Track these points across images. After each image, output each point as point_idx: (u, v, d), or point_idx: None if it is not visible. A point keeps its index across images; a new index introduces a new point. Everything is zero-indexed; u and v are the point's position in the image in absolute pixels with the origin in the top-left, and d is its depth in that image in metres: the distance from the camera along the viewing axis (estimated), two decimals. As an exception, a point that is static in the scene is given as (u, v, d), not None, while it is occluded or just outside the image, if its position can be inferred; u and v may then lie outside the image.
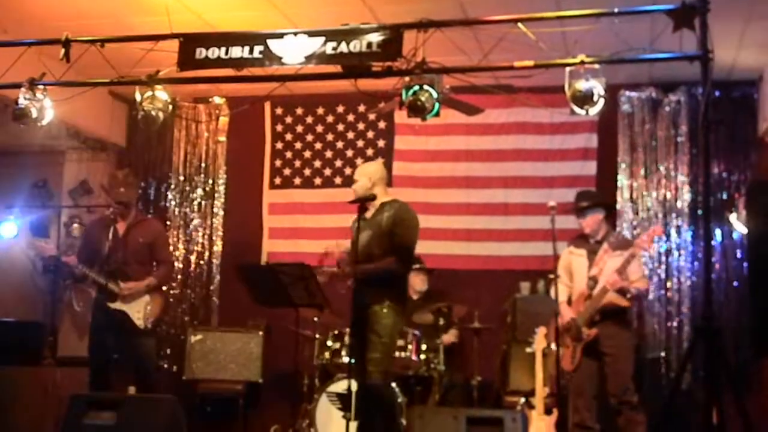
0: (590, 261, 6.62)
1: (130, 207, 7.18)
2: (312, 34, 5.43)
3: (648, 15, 5.29)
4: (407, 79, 5.37)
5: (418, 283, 8.17)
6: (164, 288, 7.63)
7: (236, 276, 7.75)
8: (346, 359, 7.15)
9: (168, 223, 9.50)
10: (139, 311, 6.93)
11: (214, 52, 5.55)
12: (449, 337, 7.99)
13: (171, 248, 8.98)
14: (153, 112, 5.79)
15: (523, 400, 7.32)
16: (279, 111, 9.52)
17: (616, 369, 6.47)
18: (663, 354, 8.24)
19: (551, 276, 6.99)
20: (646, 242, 6.48)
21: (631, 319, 6.88)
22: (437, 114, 5.38)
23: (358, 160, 9.21)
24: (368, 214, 6.25)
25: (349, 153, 9.35)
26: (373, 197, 6.19)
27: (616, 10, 5.03)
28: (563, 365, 6.61)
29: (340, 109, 9.40)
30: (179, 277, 9.41)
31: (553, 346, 6.63)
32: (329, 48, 5.38)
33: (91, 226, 7.51)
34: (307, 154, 9.45)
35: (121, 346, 6.98)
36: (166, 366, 9.18)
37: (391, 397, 6.10)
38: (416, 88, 5.27)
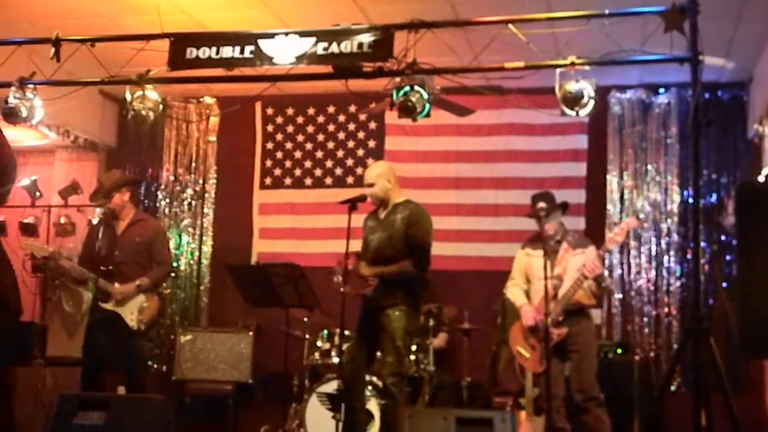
0: (551, 261, 6.43)
1: (124, 203, 7.08)
2: (303, 34, 5.44)
3: (638, 17, 5.31)
4: (398, 79, 5.38)
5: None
6: (165, 289, 7.47)
7: (226, 276, 7.73)
8: (336, 359, 7.15)
9: (158, 223, 9.48)
10: (133, 312, 6.84)
11: (204, 52, 5.55)
12: (438, 341, 7.97)
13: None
14: (143, 112, 5.78)
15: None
16: (270, 111, 9.52)
17: (584, 366, 6.40)
18: (652, 355, 8.27)
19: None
20: (620, 235, 6.42)
21: (593, 317, 6.83)
22: (428, 115, 5.38)
23: (349, 161, 9.24)
24: (381, 214, 6.25)
25: (340, 153, 9.35)
26: (365, 198, 6.19)
27: (606, 11, 5.04)
28: (532, 368, 6.57)
29: (331, 109, 9.41)
30: (168, 277, 9.40)
31: (521, 350, 6.62)
32: (320, 48, 5.38)
33: (91, 228, 7.39)
34: (298, 154, 9.45)
35: (113, 347, 6.91)
36: (155, 366, 9.16)
37: (400, 398, 6.08)
38: (407, 88, 5.27)
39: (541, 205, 6.39)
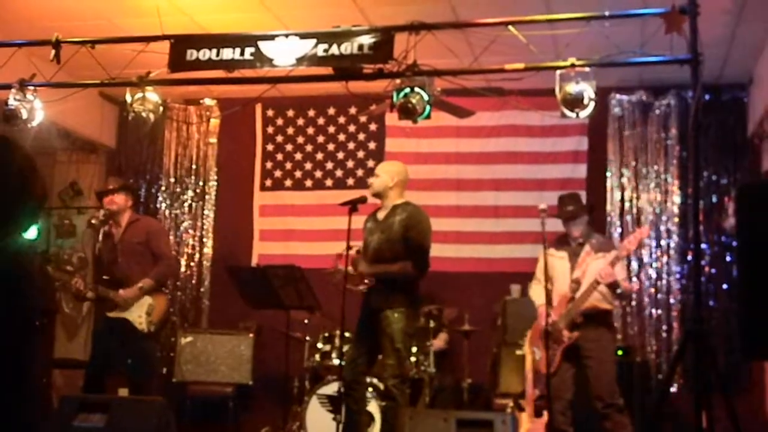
0: (572, 263, 6.50)
1: (123, 205, 7.02)
2: (303, 36, 5.44)
3: (638, 18, 5.32)
4: (398, 81, 5.38)
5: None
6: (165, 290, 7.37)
7: (227, 278, 7.73)
8: (336, 361, 7.15)
9: (158, 225, 9.46)
10: (141, 315, 6.71)
11: (205, 54, 5.55)
12: (439, 342, 7.96)
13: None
14: (143, 114, 5.78)
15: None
16: (270, 113, 9.52)
17: (602, 372, 6.36)
18: (653, 357, 8.26)
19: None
20: (632, 243, 6.41)
21: (613, 322, 6.78)
22: (428, 116, 5.38)
23: (349, 163, 9.24)
24: (380, 216, 6.25)
25: (340, 155, 9.35)
26: (365, 200, 6.19)
27: (606, 13, 5.04)
28: (541, 368, 6.56)
29: (331, 111, 9.40)
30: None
31: (536, 350, 6.61)
32: (320, 50, 5.38)
33: (94, 241, 7.27)
34: (298, 156, 9.44)
35: (121, 352, 6.76)
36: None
37: (401, 400, 6.07)
38: (407, 90, 5.28)
39: (542, 207, 6.38)
